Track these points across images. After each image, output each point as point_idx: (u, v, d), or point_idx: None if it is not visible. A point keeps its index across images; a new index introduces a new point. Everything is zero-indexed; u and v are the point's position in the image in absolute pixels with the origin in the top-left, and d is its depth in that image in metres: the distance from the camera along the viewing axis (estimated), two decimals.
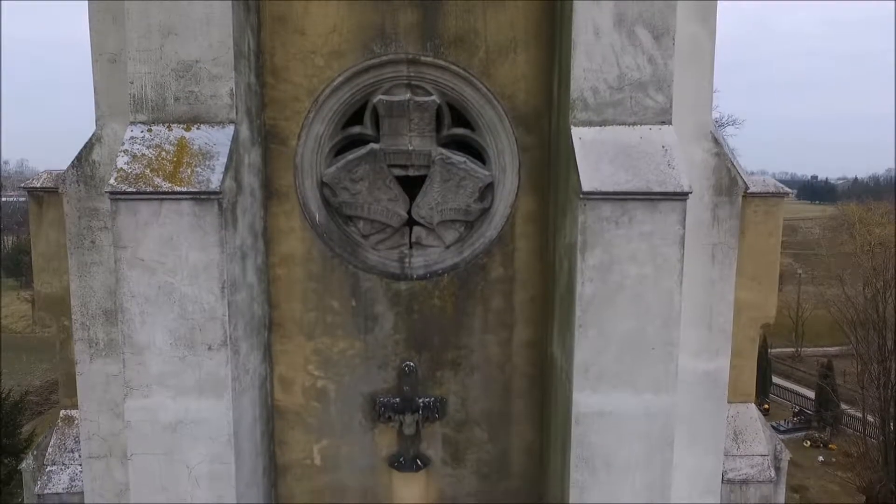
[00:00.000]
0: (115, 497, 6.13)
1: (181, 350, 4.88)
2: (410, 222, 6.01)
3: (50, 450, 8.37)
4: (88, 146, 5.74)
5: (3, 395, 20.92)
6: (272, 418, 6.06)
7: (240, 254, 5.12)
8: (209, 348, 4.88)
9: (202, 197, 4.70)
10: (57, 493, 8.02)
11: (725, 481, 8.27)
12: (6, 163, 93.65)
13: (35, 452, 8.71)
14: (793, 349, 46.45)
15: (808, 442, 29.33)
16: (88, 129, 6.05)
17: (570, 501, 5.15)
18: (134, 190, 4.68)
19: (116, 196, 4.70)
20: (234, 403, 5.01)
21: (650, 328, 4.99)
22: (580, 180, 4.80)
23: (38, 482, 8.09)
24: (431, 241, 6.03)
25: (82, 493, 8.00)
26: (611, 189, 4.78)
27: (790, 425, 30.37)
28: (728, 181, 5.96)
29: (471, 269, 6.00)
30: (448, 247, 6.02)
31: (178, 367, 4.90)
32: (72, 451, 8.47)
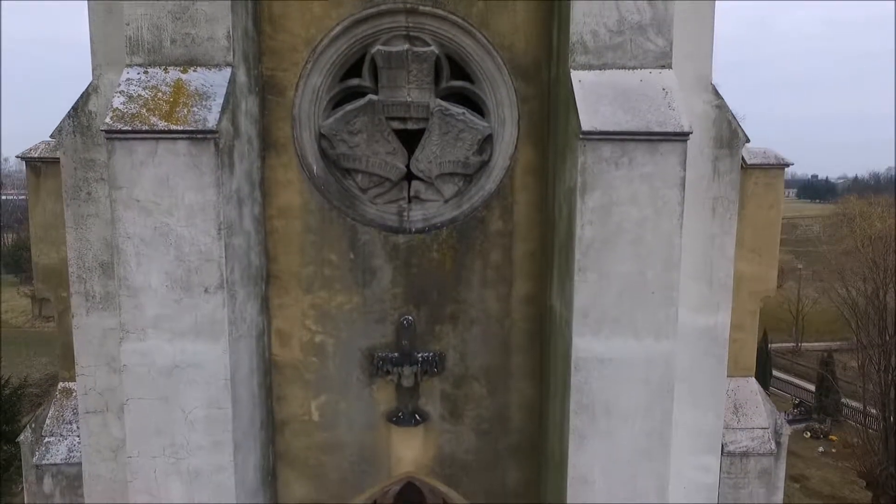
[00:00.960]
0: (111, 453, 6.09)
1: (177, 292, 4.84)
2: (409, 176, 5.97)
3: (48, 421, 8.33)
4: (84, 96, 5.70)
5: (3, 382, 20.88)
6: (270, 372, 6.02)
7: (236, 199, 5.08)
8: (205, 291, 4.84)
9: (198, 136, 4.66)
10: (55, 464, 7.99)
11: (725, 454, 8.24)
12: (6, 160, 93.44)
13: (33, 425, 8.67)
14: (792, 344, 46.34)
15: (809, 433, 29.28)
16: None
17: (570, 449, 5.11)
18: (130, 129, 4.64)
19: (112, 135, 4.66)
20: (231, 348, 4.97)
21: (650, 272, 4.94)
22: (580, 121, 4.76)
23: (37, 453, 8.05)
24: (430, 195, 5.99)
25: (81, 463, 7.97)
26: (610, 129, 4.74)
27: (790, 417, 30.29)
28: (729, 133, 5.92)
29: (470, 222, 5.96)
30: (447, 200, 5.98)
31: (175, 310, 4.86)
32: (70, 423, 8.42)
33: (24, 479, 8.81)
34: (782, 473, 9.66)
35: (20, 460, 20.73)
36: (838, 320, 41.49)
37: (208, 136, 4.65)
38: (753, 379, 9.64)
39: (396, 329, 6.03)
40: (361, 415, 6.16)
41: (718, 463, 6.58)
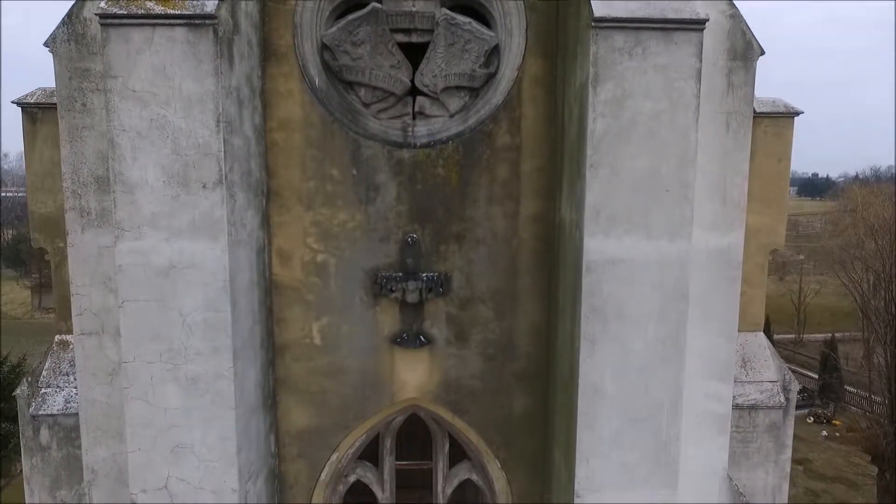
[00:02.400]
0: (107, 376, 5.90)
1: (174, 188, 4.67)
2: (413, 92, 5.80)
3: (45, 373, 8.18)
4: (79, 2, 5.52)
5: (2, 360, 20.71)
6: (271, 293, 5.84)
7: (236, 97, 4.90)
8: (204, 186, 4.67)
9: (196, 21, 4.49)
10: (52, 415, 7.85)
11: (734, 407, 8.07)
12: (6, 155, 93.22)
13: (29, 379, 8.52)
14: (794, 335, 46.18)
15: (812, 418, 29.08)
16: None
17: (581, 356, 4.94)
18: (125, 13, 4.47)
19: (107, 20, 4.48)
20: (231, 250, 4.80)
21: (664, 168, 4.77)
22: (592, 8, 4.59)
23: (33, 404, 7.90)
24: (435, 110, 5.82)
25: (77, 414, 7.81)
26: (623, 15, 4.57)
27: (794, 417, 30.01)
28: (743, 44, 5.73)
29: (476, 136, 5.79)
30: (452, 115, 5.81)
31: (172, 207, 4.69)
32: (67, 375, 8.27)
33: (20, 434, 8.64)
34: (790, 431, 9.50)
35: (18, 437, 20.44)
36: (840, 312, 41.28)
37: (207, 21, 4.48)
38: (762, 334, 9.48)
39: (400, 248, 5.86)
40: (364, 338, 5.98)
41: (731, 392, 6.38)
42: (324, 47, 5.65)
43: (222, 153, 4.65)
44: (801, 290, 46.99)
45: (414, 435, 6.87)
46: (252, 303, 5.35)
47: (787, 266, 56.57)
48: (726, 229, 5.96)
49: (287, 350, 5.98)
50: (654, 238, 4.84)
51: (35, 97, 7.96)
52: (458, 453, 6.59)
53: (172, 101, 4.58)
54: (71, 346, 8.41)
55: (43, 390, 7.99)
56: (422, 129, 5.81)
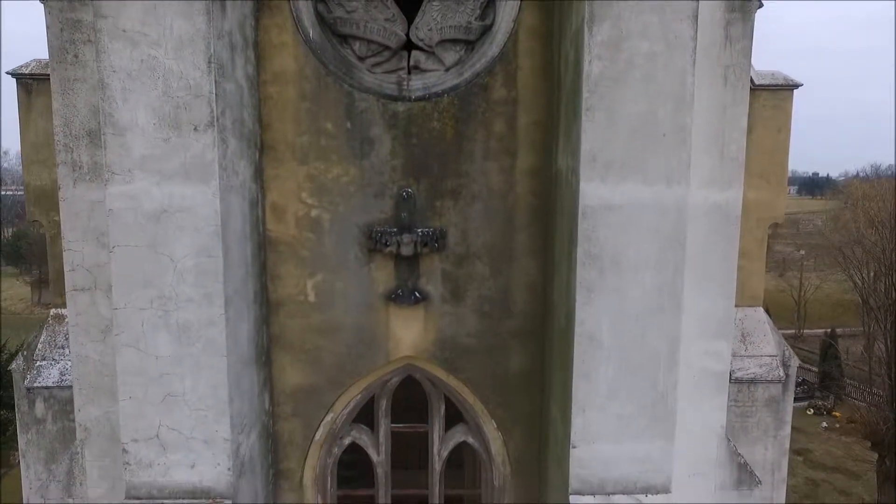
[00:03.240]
0: (100, 333, 5.85)
1: (165, 131, 4.61)
2: (409, 46, 5.75)
3: (40, 346, 8.12)
4: None
5: (2, 346, 20.66)
6: (264, 248, 5.79)
7: (228, 41, 4.85)
8: (195, 129, 4.61)
9: None
10: (47, 387, 7.78)
11: (733, 380, 8.04)
12: (6, 153, 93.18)
13: (25, 353, 8.46)
14: (794, 330, 46.15)
15: (812, 410, 29.03)
16: None
17: (577, 304, 4.88)
18: None
19: None
20: (222, 195, 4.74)
21: (661, 112, 4.72)
22: None
23: (28, 376, 7.84)
24: (431, 64, 5.76)
25: (72, 387, 7.76)
26: None
27: (794, 394, 29.96)
28: None
29: (472, 89, 5.73)
30: (448, 69, 5.75)
31: (163, 150, 4.63)
32: (62, 348, 8.21)
33: (16, 409, 8.59)
34: (789, 407, 9.43)
35: (16, 424, 20.26)
36: (840, 307, 41.22)
37: None
38: (761, 308, 9.41)
39: (395, 203, 5.80)
40: (359, 295, 5.92)
41: (729, 349, 6.34)
42: None
43: (214, 95, 4.59)
44: (802, 285, 46.96)
45: (410, 403, 6.80)
46: (245, 254, 5.30)
47: (788, 263, 56.50)
48: (725, 185, 5.90)
49: (281, 307, 5.92)
50: (651, 183, 4.78)
51: (30, 68, 7.88)
52: (454, 418, 6.53)
53: (163, 41, 4.52)
54: (66, 321, 8.35)
55: (38, 363, 7.92)
56: (417, 83, 5.76)
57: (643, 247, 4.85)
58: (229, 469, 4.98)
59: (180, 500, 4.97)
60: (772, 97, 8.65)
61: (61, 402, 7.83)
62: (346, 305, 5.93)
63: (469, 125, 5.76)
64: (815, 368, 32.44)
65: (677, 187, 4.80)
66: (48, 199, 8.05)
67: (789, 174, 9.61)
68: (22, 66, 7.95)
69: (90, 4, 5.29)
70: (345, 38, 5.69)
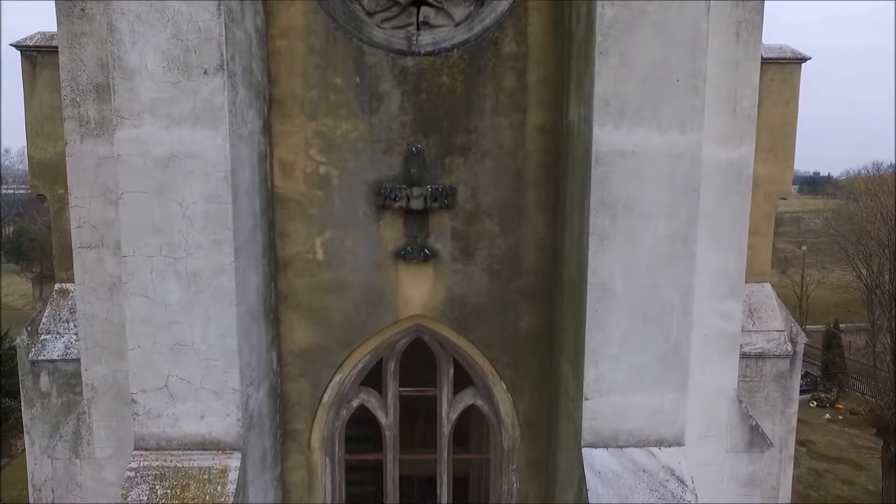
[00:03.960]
0: (107, 291, 5.81)
1: (175, 74, 4.57)
2: (417, 2, 5.70)
3: (45, 320, 8.10)
4: None
5: (3, 335, 20.61)
6: (272, 205, 5.74)
7: None
8: (205, 72, 4.57)
9: None
10: (51, 360, 7.77)
11: (741, 355, 7.98)
12: (7, 151, 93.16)
13: (29, 328, 8.44)
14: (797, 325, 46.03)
15: (815, 402, 28.95)
16: None
17: (590, 252, 4.83)
18: None
19: None
20: (232, 141, 4.70)
21: (675, 58, 4.67)
22: None
23: (33, 350, 7.82)
24: (440, 20, 5.72)
25: (77, 360, 7.73)
26: None
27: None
28: None
29: (482, 44, 5.68)
30: (457, 24, 5.71)
31: (172, 94, 4.59)
32: (66, 322, 8.19)
33: (20, 385, 8.56)
34: (797, 384, 9.40)
35: (20, 413, 20.35)
36: (842, 303, 41.14)
37: None
38: (768, 284, 9.38)
39: (405, 159, 5.76)
40: (368, 253, 5.88)
41: (740, 310, 6.29)
42: None
43: (223, 38, 4.55)
44: (804, 281, 46.84)
45: (418, 372, 6.73)
46: (253, 206, 5.26)
47: (790, 260, 56.39)
48: (737, 142, 5.87)
49: (289, 265, 5.88)
50: (665, 130, 4.74)
51: (34, 40, 7.87)
52: (463, 382, 6.48)
53: None
54: (71, 295, 8.32)
55: (42, 336, 7.90)
56: (426, 38, 5.71)
57: (656, 194, 4.81)
58: (239, 420, 4.94)
59: (189, 452, 4.92)
60: (779, 71, 8.61)
61: (66, 375, 7.82)
62: (355, 264, 5.89)
63: (479, 81, 5.71)
64: (817, 362, 32.39)
65: (691, 134, 4.76)
66: (52, 171, 8.03)
67: None
68: (26, 39, 7.93)
69: None
70: None
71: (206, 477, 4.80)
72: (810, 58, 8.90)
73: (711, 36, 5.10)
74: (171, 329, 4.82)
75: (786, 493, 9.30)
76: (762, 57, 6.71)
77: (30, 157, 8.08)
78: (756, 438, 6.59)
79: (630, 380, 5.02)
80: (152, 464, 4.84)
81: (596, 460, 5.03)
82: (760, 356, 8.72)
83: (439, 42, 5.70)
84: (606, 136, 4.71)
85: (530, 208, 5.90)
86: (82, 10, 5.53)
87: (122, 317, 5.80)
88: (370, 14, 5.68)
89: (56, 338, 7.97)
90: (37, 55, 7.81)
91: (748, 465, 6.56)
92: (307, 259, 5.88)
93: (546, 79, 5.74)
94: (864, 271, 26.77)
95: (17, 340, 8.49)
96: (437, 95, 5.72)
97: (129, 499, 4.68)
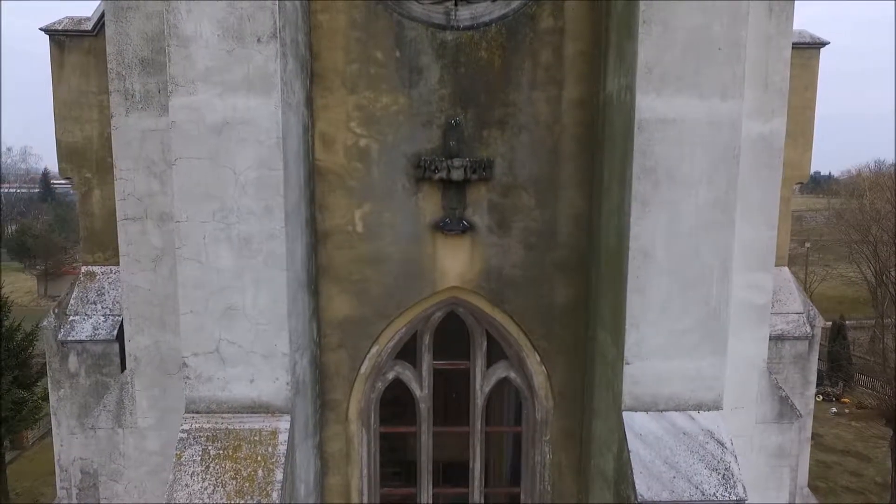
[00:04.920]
0: (150, 262, 5.91)
1: (229, 42, 4.67)
2: None
3: (72, 302, 8.21)
4: None
5: (15, 326, 20.71)
6: (313, 177, 5.84)
7: None
8: (258, 40, 4.68)
9: None
10: (80, 341, 7.88)
11: None
12: (9, 149, 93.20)
13: (56, 311, 8.54)
14: None
15: (821, 396, 29.04)
16: None
17: (632, 218, 4.94)
18: None
19: None
20: (283, 109, 4.80)
21: (717, 26, 4.78)
22: None
23: (62, 330, 7.93)
24: None
25: (105, 341, 7.85)
26: None
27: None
28: None
29: (519, 19, 5.79)
30: (495, 0, 5.82)
31: (226, 62, 4.69)
32: (94, 303, 8.31)
33: (47, 367, 8.68)
34: (814, 366, 9.51)
35: (30, 402, 20.48)
36: (846, 300, 41.29)
37: None
38: (787, 268, 9.48)
39: (443, 133, 5.86)
40: (406, 225, 5.98)
41: (771, 282, 6.39)
42: None
43: (277, 7, 4.65)
44: (807, 277, 46.99)
45: (448, 350, 6.80)
46: (299, 176, 5.36)
47: (793, 258, 56.53)
48: (769, 115, 5.97)
49: (329, 238, 5.98)
50: (706, 97, 4.85)
51: (63, 25, 7.97)
52: (495, 357, 6.57)
53: None
54: (97, 277, 8.43)
55: (71, 318, 8.01)
56: (464, 13, 5.82)
57: (697, 161, 4.91)
58: (287, 384, 5.04)
59: (239, 415, 5.03)
60: (798, 55, 8.70)
61: (94, 356, 7.93)
62: (394, 236, 5.99)
63: (516, 54, 5.82)
64: (822, 359, 32.52)
65: (731, 101, 4.87)
66: (79, 155, 8.14)
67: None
68: (55, 23, 8.03)
69: None
70: None
71: (256, 438, 4.90)
72: (829, 42, 9.01)
73: None
74: (222, 293, 4.92)
75: (804, 473, 9.42)
76: None
77: (57, 141, 8.18)
78: (785, 410, 6.70)
79: (670, 345, 5.12)
80: (204, 426, 4.94)
81: (637, 424, 5.13)
82: (780, 338, 8.84)
83: (477, 16, 5.81)
84: (649, 104, 4.82)
85: (565, 181, 6.00)
86: None
87: (164, 288, 5.94)
88: None
89: (84, 319, 8.08)
90: (65, 39, 7.92)
91: (778, 436, 6.67)
92: (346, 231, 5.98)
93: (583, 52, 5.84)
94: (871, 258, 26.87)
95: (44, 322, 8.60)
96: (475, 69, 5.82)
97: (182, 458, 4.79)
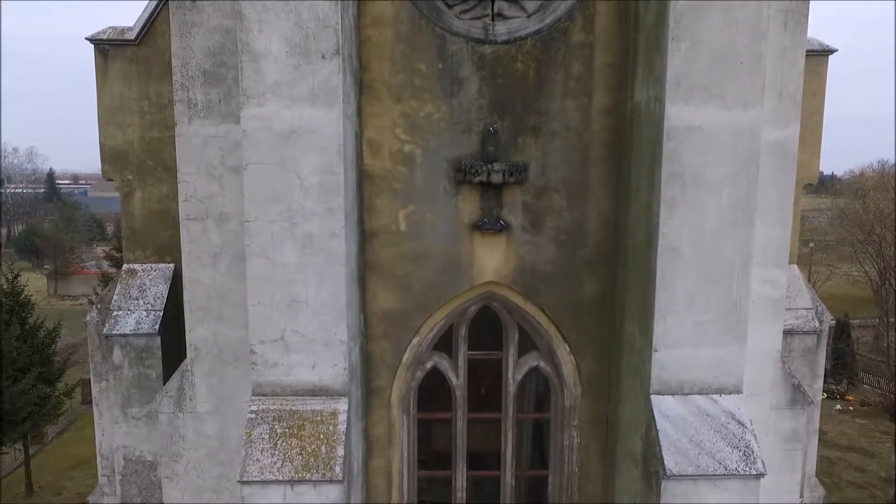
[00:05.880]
0: (210, 259, 6.37)
1: (296, 58, 5.14)
2: None
3: (116, 298, 8.68)
4: None
5: (38, 323, 21.20)
6: (362, 182, 6.30)
7: None
8: (322, 56, 5.14)
9: None
10: (124, 335, 8.34)
11: None
12: (15, 150, 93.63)
13: (98, 307, 9.04)
14: None
15: (825, 394, 29.52)
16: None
17: (661, 219, 5.39)
18: None
19: None
20: (344, 118, 5.26)
21: (739, 41, 5.23)
22: None
23: (106, 324, 8.39)
24: (513, 12, 6.28)
25: (147, 335, 8.31)
26: None
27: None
28: None
29: (552, 34, 6.25)
30: (530, 15, 6.27)
31: (293, 76, 5.16)
32: (136, 299, 8.79)
33: (90, 361, 9.16)
34: (822, 361, 9.95)
35: (52, 399, 21.05)
36: (849, 300, 41.74)
37: None
38: (795, 265, 9.92)
39: (482, 139, 6.32)
40: (447, 225, 6.45)
41: (785, 278, 6.84)
42: None
43: (339, 25, 5.12)
44: (811, 276, 47.39)
45: (479, 345, 7.24)
46: (353, 180, 5.82)
47: (795, 257, 56.76)
48: (784, 123, 6.43)
49: (375, 236, 6.45)
50: (730, 107, 5.31)
51: (107, 34, 8.48)
52: (526, 348, 7.03)
53: None
54: (139, 274, 8.91)
55: (115, 313, 8.48)
56: (501, 28, 6.28)
57: (721, 166, 5.37)
58: (345, 370, 5.51)
59: (301, 397, 5.49)
60: (807, 62, 9.10)
61: (137, 349, 8.41)
62: (435, 235, 6.46)
63: (549, 66, 6.28)
64: (826, 357, 32.96)
65: (752, 111, 5.33)
66: (122, 159, 8.63)
67: None
68: (99, 33, 8.53)
69: None
70: None
71: (318, 419, 5.37)
72: (837, 50, 9.45)
73: None
74: (287, 287, 5.39)
75: (811, 464, 9.87)
76: None
77: (101, 145, 8.66)
78: (798, 396, 7.15)
79: (695, 334, 5.58)
80: (270, 407, 5.41)
81: (664, 406, 5.60)
82: (789, 332, 9.26)
83: (514, 32, 6.27)
84: (677, 114, 5.28)
85: (594, 184, 6.46)
86: (193, 2, 6.10)
87: (223, 283, 6.41)
88: (450, 6, 6.24)
89: (127, 314, 8.56)
90: (108, 48, 8.42)
91: (791, 421, 7.13)
92: (391, 230, 6.45)
93: (611, 63, 6.30)
94: (872, 268, 27.30)
95: (87, 318, 9.09)
96: (511, 80, 6.28)
97: (252, 436, 5.26)
